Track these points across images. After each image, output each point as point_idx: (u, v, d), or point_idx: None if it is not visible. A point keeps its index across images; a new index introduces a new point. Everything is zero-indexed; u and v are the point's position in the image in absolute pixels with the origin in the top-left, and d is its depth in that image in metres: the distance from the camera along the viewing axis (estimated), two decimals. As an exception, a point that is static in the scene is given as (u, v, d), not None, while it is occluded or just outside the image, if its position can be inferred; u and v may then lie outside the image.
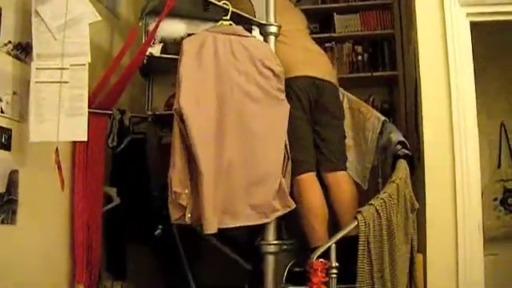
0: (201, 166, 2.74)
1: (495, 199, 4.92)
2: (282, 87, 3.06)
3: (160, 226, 2.88)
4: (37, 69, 2.68)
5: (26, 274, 2.73)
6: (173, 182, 2.81)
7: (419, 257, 3.17)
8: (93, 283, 3.12)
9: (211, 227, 2.74)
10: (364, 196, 3.34)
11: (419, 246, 3.14)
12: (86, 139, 2.76)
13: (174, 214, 2.82)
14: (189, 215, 2.81)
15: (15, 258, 2.68)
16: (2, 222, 2.65)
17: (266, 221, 2.91)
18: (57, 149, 2.67)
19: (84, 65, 2.72)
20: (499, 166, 5.06)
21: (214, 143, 2.85)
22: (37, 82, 2.67)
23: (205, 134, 2.83)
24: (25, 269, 2.73)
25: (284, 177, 2.98)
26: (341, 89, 3.65)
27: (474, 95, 3.40)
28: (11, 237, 2.66)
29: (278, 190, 2.92)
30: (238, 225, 2.84)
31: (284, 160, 2.98)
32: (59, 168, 2.69)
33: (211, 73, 2.95)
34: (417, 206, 3.06)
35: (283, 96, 3.06)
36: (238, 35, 3.05)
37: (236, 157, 2.86)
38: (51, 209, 2.86)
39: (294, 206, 2.95)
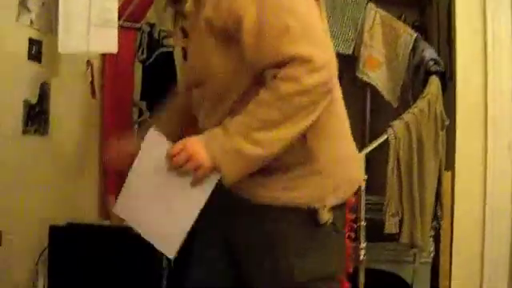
0: None
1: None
2: None
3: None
4: (66, -21, 2.64)
5: (58, 183, 2.79)
6: None
7: (447, 174, 3.17)
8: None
9: None
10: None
11: (448, 163, 3.13)
12: (116, 51, 2.74)
13: None
14: None
15: (48, 168, 2.72)
16: (35, 133, 2.69)
17: None
18: (88, 60, 2.67)
19: (115, -23, 2.68)
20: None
21: None
22: (66, -7, 2.63)
23: None
24: (57, 179, 2.78)
25: None
26: (372, 5, 3.57)
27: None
28: (44, 147, 2.71)
29: None
30: None
31: None
32: (92, 77, 2.70)
33: None
34: (447, 122, 3.04)
35: None
36: None
37: None
38: (82, 120, 2.89)
39: None
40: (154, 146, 1.52)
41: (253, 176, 1.49)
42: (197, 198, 1.48)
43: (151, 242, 1.57)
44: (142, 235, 1.58)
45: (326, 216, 1.55)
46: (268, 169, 1.50)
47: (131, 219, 1.62)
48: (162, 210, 1.54)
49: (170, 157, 1.44)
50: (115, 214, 1.63)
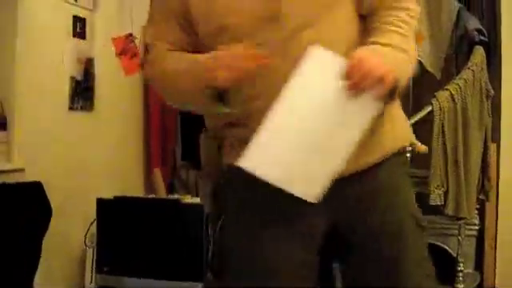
0: None
1: None
2: None
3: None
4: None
5: (103, 159, 2.84)
6: None
7: (493, 146, 3.11)
8: (168, 169, 3.22)
9: None
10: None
11: (493, 135, 3.08)
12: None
13: None
14: None
15: (93, 143, 2.77)
16: (81, 109, 2.74)
17: None
18: (131, 34, 2.69)
19: None
20: None
21: None
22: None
23: None
24: (101, 154, 2.83)
25: None
26: (415, -23, 3.51)
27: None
28: (89, 123, 2.75)
29: None
30: None
31: None
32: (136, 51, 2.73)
33: None
34: (492, 93, 2.98)
35: None
36: None
37: None
38: (126, 95, 2.93)
39: None
40: (318, 66, 1.29)
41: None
42: (360, 122, 1.31)
43: (287, 189, 1.28)
44: (276, 182, 1.28)
45: (422, 147, 1.76)
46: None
47: (264, 167, 1.27)
48: (318, 142, 1.30)
49: (350, 71, 1.27)
50: (245, 167, 1.26)
